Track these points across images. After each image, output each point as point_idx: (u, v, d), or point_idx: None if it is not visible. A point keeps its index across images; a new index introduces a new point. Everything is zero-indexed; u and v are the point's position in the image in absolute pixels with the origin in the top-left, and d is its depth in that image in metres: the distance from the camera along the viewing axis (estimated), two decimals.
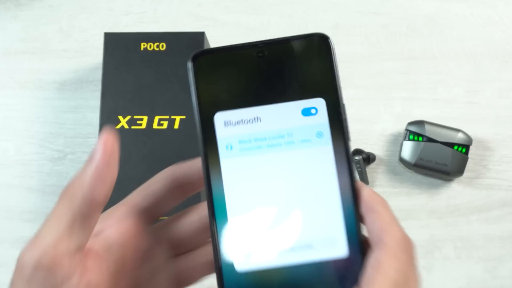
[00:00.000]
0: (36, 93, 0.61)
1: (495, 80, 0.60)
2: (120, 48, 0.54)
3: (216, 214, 0.29)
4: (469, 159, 0.57)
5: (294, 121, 0.29)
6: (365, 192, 0.28)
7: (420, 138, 0.56)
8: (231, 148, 0.29)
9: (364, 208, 0.28)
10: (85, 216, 0.25)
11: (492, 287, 0.56)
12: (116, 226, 0.29)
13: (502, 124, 0.59)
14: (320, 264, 0.28)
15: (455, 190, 0.57)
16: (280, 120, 0.29)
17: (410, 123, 0.57)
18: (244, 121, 0.29)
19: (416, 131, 0.56)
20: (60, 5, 0.63)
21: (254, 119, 0.29)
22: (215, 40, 0.61)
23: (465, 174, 0.57)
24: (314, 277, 0.28)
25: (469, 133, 0.58)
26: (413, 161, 0.56)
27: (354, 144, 0.58)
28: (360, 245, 0.28)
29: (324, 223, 0.28)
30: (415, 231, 0.57)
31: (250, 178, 0.29)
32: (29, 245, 0.25)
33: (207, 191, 0.29)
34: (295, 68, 0.30)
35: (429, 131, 0.56)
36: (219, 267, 0.28)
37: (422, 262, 0.56)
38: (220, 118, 0.29)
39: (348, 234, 0.28)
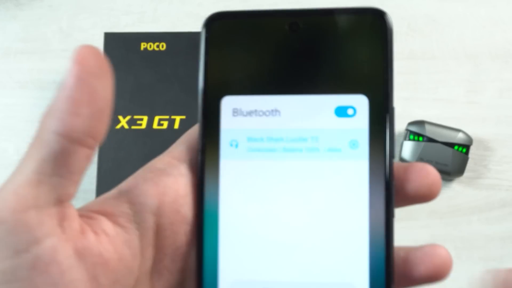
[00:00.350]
0: (36, 93, 0.61)
1: (495, 80, 0.59)
2: (120, 48, 0.54)
3: (204, 232, 0.22)
4: (469, 159, 0.57)
5: (324, 121, 0.22)
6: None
7: (420, 138, 0.56)
8: (237, 145, 0.22)
9: None
10: (58, 156, 0.20)
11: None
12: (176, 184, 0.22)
13: (502, 124, 0.58)
14: None
15: (456, 190, 0.57)
16: (305, 118, 0.22)
17: (410, 123, 0.57)
18: (259, 112, 0.22)
19: (416, 131, 0.56)
20: (60, 5, 0.63)
21: (272, 111, 0.22)
22: None
23: (466, 174, 0.57)
24: None
25: (470, 133, 0.58)
26: (413, 161, 0.55)
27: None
28: None
29: (341, 264, 0.21)
30: (415, 231, 0.57)
31: (255, 190, 0.22)
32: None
33: (198, 199, 0.22)
34: (335, 51, 0.22)
35: (429, 131, 0.56)
36: None
37: None
38: (229, 104, 0.22)
39: (373, 281, 0.21)
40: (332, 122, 0.22)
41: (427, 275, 0.22)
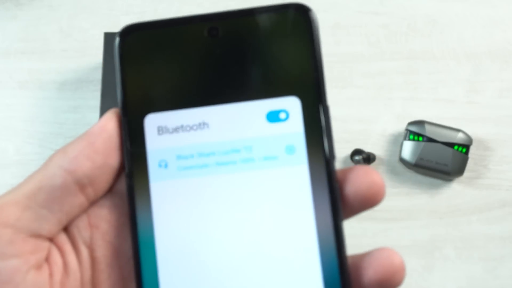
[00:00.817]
0: (36, 93, 0.61)
1: (495, 80, 0.60)
2: None
3: (141, 261, 0.20)
4: (469, 159, 0.57)
5: (256, 129, 0.20)
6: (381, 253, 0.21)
7: (420, 138, 0.56)
8: (166, 165, 0.21)
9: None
10: (57, 190, 0.20)
11: (492, 287, 0.55)
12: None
13: (502, 124, 0.58)
14: None
15: (456, 190, 0.57)
16: (235, 128, 0.20)
17: (410, 123, 0.57)
18: (186, 127, 0.21)
19: (416, 131, 0.56)
20: (59, 5, 0.63)
21: (200, 125, 0.21)
22: None
23: (466, 174, 0.57)
24: None
25: (470, 133, 0.58)
26: (413, 161, 0.55)
27: (354, 144, 0.58)
28: None
29: (292, 281, 0.19)
30: (416, 231, 0.57)
31: (192, 211, 0.20)
32: None
33: (131, 226, 0.20)
34: (259, 53, 0.21)
35: (429, 131, 0.56)
36: None
37: (422, 262, 0.56)
38: (152, 122, 0.21)
39: None
40: (264, 129, 0.20)
41: (377, 279, 0.21)
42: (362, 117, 0.59)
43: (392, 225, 0.57)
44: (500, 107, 0.59)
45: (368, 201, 0.21)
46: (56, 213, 0.20)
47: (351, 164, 0.58)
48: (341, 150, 0.58)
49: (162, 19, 0.21)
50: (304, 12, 0.21)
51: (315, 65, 0.20)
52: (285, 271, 0.20)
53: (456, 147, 0.55)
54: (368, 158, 0.57)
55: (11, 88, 0.61)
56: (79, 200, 0.21)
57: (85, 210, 0.21)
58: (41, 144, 0.60)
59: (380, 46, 0.61)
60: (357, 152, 0.57)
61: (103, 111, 0.53)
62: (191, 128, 0.21)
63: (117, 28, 0.62)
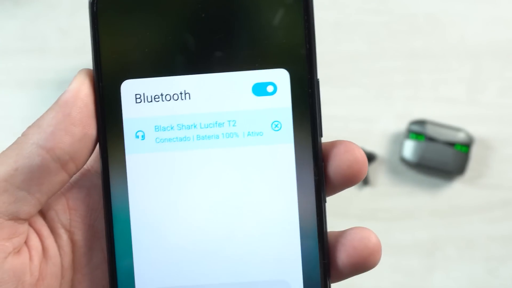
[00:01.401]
0: (35, 92, 0.61)
1: (497, 78, 0.59)
2: None
3: (115, 240, 0.19)
4: (471, 159, 0.56)
5: (241, 102, 0.19)
6: (355, 231, 0.19)
7: (422, 137, 0.55)
8: (143, 137, 0.19)
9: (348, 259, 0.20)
10: (35, 170, 0.19)
11: (494, 287, 0.55)
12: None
13: (504, 123, 0.58)
14: None
15: (457, 189, 0.57)
16: (219, 99, 0.19)
17: (412, 122, 0.56)
18: (166, 96, 0.19)
19: (418, 130, 0.56)
20: (58, 3, 0.62)
21: (181, 94, 0.19)
22: None
23: (467, 173, 0.57)
24: None
25: (471, 132, 0.57)
26: (414, 161, 0.55)
27: (354, 143, 0.58)
28: None
29: (272, 260, 0.19)
30: (416, 231, 0.56)
31: (170, 187, 0.19)
32: None
33: (105, 202, 0.19)
34: (248, 20, 0.19)
35: (430, 130, 0.55)
36: None
37: (423, 262, 0.56)
38: (130, 89, 0.20)
39: (306, 282, 0.19)
40: (250, 102, 0.19)
41: (350, 263, 0.20)
42: (362, 116, 0.59)
43: (392, 225, 0.57)
44: (502, 106, 0.59)
45: (350, 179, 0.21)
46: (35, 194, 0.19)
47: None
48: None
49: None
50: None
51: (307, 37, 0.19)
52: (264, 249, 0.19)
53: (457, 146, 0.55)
54: (369, 158, 0.57)
55: (9, 87, 0.61)
56: (60, 177, 0.20)
57: (66, 182, 0.20)
58: None
59: (381, 44, 0.60)
60: None
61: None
62: (171, 97, 0.19)
63: None
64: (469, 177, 0.57)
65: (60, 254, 0.21)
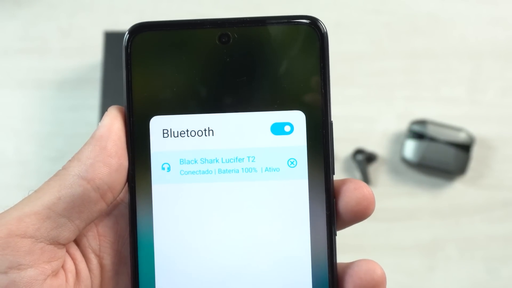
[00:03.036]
0: (35, 92, 0.60)
1: (498, 79, 0.59)
2: (120, 47, 0.54)
3: (139, 264, 0.21)
4: (472, 159, 0.56)
5: (260, 139, 0.21)
6: (360, 265, 0.21)
7: (423, 138, 0.55)
8: (169, 169, 0.21)
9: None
10: (77, 199, 0.20)
11: (494, 287, 0.55)
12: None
13: (505, 123, 0.58)
14: None
15: (458, 189, 0.57)
16: (240, 137, 0.21)
17: (413, 122, 0.56)
18: (191, 132, 0.21)
19: (419, 130, 0.56)
20: (59, 3, 0.62)
21: (205, 131, 0.21)
22: None
23: (468, 173, 0.57)
24: None
25: (472, 132, 0.57)
26: (415, 161, 0.55)
27: (355, 143, 0.58)
28: None
29: (283, 286, 0.20)
30: (418, 231, 0.56)
31: (192, 217, 0.20)
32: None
33: (131, 228, 0.21)
34: (269, 64, 0.21)
35: (431, 130, 0.55)
36: None
37: (424, 262, 0.56)
38: (158, 125, 0.21)
39: None
40: (268, 140, 0.21)
41: None
42: (364, 116, 0.59)
43: (394, 225, 0.56)
44: (502, 106, 0.59)
45: (358, 215, 0.22)
46: (75, 221, 0.21)
47: (352, 163, 0.57)
48: (343, 150, 0.58)
49: (173, 20, 0.21)
50: (316, 27, 0.22)
51: (323, 82, 0.21)
52: (278, 278, 0.20)
53: (458, 146, 0.55)
54: (370, 158, 0.57)
55: (10, 88, 0.61)
56: (99, 206, 0.21)
57: (103, 211, 0.22)
58: (40, 143, 0.60)
59: (382, 45, 0.60)
60: (359, 151, 0.57)
61: (102, 110, 0.53)
62: (196, 133, 0.21)
63: (117, 26, 0.61)
64: (470, 177, 0.57)
65: (91, 277, 0.22)
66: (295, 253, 0.20)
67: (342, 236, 0.56)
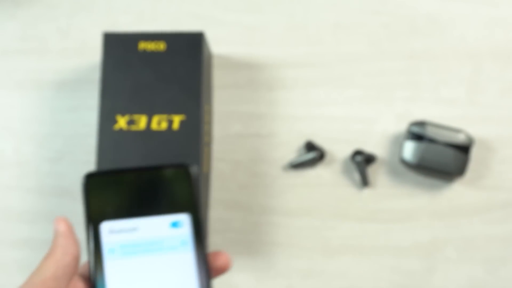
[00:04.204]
0: (34, 92, 0.60)
1: (497, 80, 0.59)
2: (119, 48, 0.54)
3: None
4: (471, 160, 0.56)
5: (164, 232, 0.37)
6: None
7: (422, 139, 0.55)
8: (113, 251, 0.36)
9: None
10: (63, 270, 0.35)
11: None
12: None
13: (504, 124, 0.58)
14: None
15: (457, 191, 0.57)
16: (153, 231, 0.37)
17: (412, 124, 0.56)
18: (125, 229, 0.36)
19: (418, 132, 0.56)
20: (58, 4, 0.62)
21: (133, 228, 0.36)
22: (215, 39, 0.60)
23: (467, 175, 0.57)
24: None
25: (471, 134, 0.57)
26: (414, 162, 0.55)
27: (354, 144, 0.58)
28: None
29: None
30: (417, 232, 0.56)
31: (128, 276, 0.36)
32: (23, 285, 0.33)
33: (95, 283, 0.35)
34: (167, 190, 0.37)
35: (430, 131, 0.55)
36: None
37: (423, 263, 0.56)
38: (106, 227, 0.36)
39: None
40: (169, 231, 0.36)
41: None
42: (363, 117, 0.59)
43: (393, 226, 0.57)
44: (501, 107, 0.59)
45: (222, 271, 0.37)
46: (66, 278, 0.35)
47: (351, 164, 0.58)
48: (342, 151, 0.58)
49: (111, 169, 0.37)
50: (186, 170, 0.37)
51: (194, 198, 0.37)
52: None
53: (457, 147, 0.55)
54: (369, 159, 0.57)
55: (9, 88, 0.61)
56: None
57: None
58: (39, 144, 0.60)
59: (381, 45, 0.60)
60: (357, 152, 0.57)
61: (101, 110, 0.53)
62: (128, 230, 0.36)
63: (116, 27, 0.61)
64: (469, 179, 0.57)
65: None
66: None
67: (342, 237, 0.57)
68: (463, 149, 0.55)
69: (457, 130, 0.56)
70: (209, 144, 0.57)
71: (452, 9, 0.61)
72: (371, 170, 0.58)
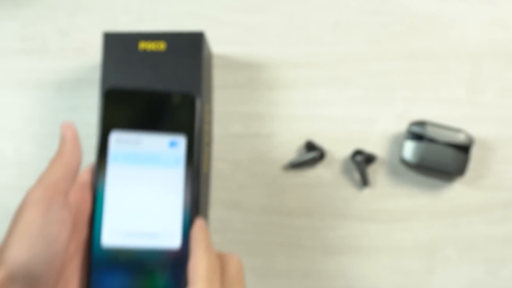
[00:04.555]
0: (34, 92, 0.60)
1: (497, 79, 0.59)
2: (119, 48, 0.54)
3: (97, 198, 0.40)
4: (471, 160, 0.56)
5: (163, 149, 0.41)
6: (196, 223, 0.39)
7: (422, 139, 0.55)
8: (117, 158, 0.41)
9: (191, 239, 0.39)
10: (71, 173, 0.38)
11: None
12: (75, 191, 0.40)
13: (504, 124, 0.58)
14: (161, 250, 0.39)
15: (457, 190, 0.57)
16: (154, 146, 0.41)
17: (412, 123, 0.56)
18: (130, 141, 0.41)
19: (418, 132, 0.56)
20: (58, 4, 0.62)
21: (137, 141, 0.41)
22: (215, 39, 0.60)
23: (467, 174, 0.57)
24: (157, 259, 0.39)
25: (471, 133, 0.57)
26: (414, 162, 0.55)
27: (354, 144, 0.58)
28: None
29: (168, 221, 0.40)
30: (416, 232, 0.56)
31: (125, 181, 0.40)
32: (35, 185, 0.36)
33: (95, 187, 0.40)
34: (170, 112, 0.42)
35: (430, 131, 0.55)
36: (91, 240, 0.39)
37: (423, 263, 0.56)
38: (114, 136, 0.41)
39: (183, 232, 0.40)
40: (168, 149, 0.41)
41: None
42: (363, 117, 0.59)
43: (393, 226, 0.56)
44: (502, 107, 0.59)
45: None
46: (71, 181, 0.38)
47: (351, 164, 0.58)
48: (342, 150, 0.58)
49: (129, 89, 0.42)
50: (193, 99, 0.42)
51: (194, 125, 0.42)
52: (165, 213, 0.40)
53: (457, 147, 0.55)
54: (369, 159, 0.57)
55: (9, 88, 0.61)
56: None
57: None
58: (39, 144, 0.60)
59: (381, 45, 0.60)
60: (357, 152, 0.57)
61: (101, 111, 0.53)
62: (133, 142, 0.41)
63: (116, 27, 0.61)
64: (469, 178, 0.57)
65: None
66: (175, 203, 0.40)
67: (342, 237, 0.57)
68: (463, 149, 0.55)
69: (457, 130, 0.56)
70: (209, 144, 0.57)
71: (452, 9, 0.61)
72: (371, 170, 0.58)
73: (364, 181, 0.57)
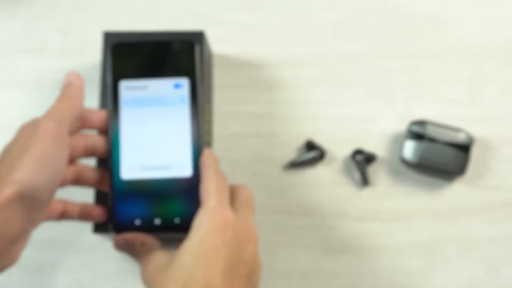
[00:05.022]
0: (34, 92, 0.60)
1: (497, 79, 0.59)
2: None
3: (113, 139, 0.45)
4: (471, 159, 0.56)
5: (169, 90, 0.46)
6: (204, 151, 0.44)
7: (422, 138, 0.55)
8: (128, 103, 0.46)
9: (200, 165, 0.44)
10: (74, 116, 0.44)
11: None
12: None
13: (504, 124, 0.58)
14: (175, 179, 0.44)
15: (457, 190, 0.57)
16: (160, 89, 0.46)
17: (412, 123, 0.56)
18: (139, 87, 0.46)
19: (418, 131, 0.56)
20: (58, 3, 0.62)
21: (145, 86, 0.47)
22: (215, 39, 0.60)
23: (467, 174, 0.57)
24: (171, 187, 0.44)
25: (472, 133, 0.57)
26: (414, 161, 0.55)
27: (355, 143, 0.58)
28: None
29: (179, 153, 0.45)
30: (417, 232, 0.56)
31: (138, 122, 0.45)
32: (47, 118, 0.41)
33: (112, 127, 0.46)
34: (173, 58, 0.47)
35: (431, 130, 0.55)
36: (111, 173, 0.45)
37: (423, 263, 0.56)
38: (124, 84, 0.47)
39: (193, 162, 0.44)
40: (173, 90, 0.46)
41: None
42: (363, 116, 0.59)
43: (393, 225, 0.56)
44: (502, 107, 0.59)
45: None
46: (71, 120, 0.44)
47: (351, 163, 0.57)
48: (342, 150, 0.58)
49: (132, 42, 0.49)
50: (192, 44, 0.48)
51: (196, 68, 0.47)
52: (177, 147, 0.45)
53: (457, 147, 0.55)
54: (369, 158, 0.57)
55: (9, 87, 0.61)
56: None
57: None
58: None
59: (381, 45, 0.60)
60: (358, 152, 0.57)
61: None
62: (141, 88, 0.47)
63: (116, 27, 0.61)
64: (469, 178, 0.57)
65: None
66: (184, 137, 0.45)
67: (342, 237, 0.57)
68: (463, 148, 0.55)
69: (457, 130, 0.56)
70: (209, 143, 0.57)
71: (452, 9, 0.61)
72: (371, 169, 0.58)
73: (364, 181, 0.57)
